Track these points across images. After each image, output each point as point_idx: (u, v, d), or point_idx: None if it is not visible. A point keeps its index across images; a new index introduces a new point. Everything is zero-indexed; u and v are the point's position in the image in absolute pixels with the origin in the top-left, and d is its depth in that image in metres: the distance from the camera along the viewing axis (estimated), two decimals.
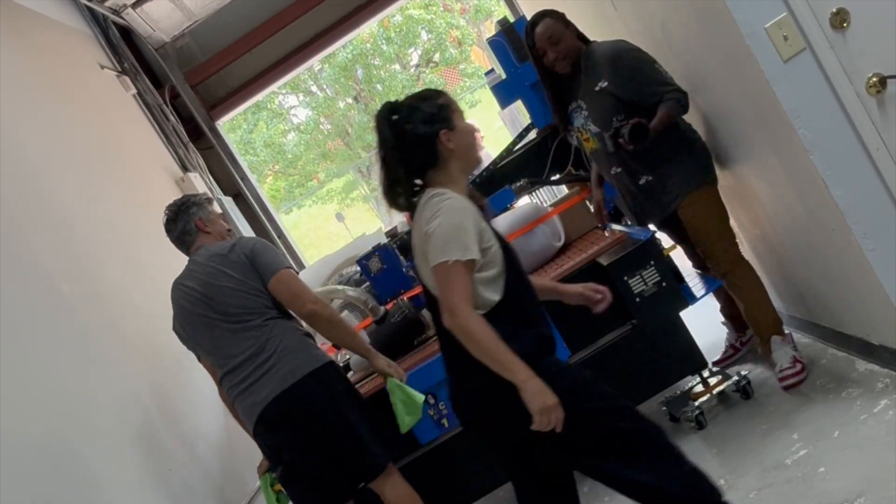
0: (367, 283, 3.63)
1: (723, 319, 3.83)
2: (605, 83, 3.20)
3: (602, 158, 3.38)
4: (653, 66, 3.18)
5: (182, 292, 3.06)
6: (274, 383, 2.89)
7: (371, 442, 2.92)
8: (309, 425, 2.89)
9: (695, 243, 3.35)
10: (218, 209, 3.40)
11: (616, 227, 3.56)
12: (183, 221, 3.16)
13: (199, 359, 3.14)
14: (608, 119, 3.22)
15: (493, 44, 3.76)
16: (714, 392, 3.41)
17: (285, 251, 6.41)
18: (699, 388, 3.45)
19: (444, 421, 3.28)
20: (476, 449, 3.30)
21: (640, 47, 3.23)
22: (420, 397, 3.05)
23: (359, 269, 3.67)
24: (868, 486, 2.42)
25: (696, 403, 3.37)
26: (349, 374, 3.93)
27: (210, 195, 3.41)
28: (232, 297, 2.95)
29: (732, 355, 3.80)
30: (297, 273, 3.05)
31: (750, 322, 3.41)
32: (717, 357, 3.80)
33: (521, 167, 3.84)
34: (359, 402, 3.03)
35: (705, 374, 3.45)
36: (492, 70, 4.13)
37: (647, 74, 3.16)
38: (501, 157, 3.92)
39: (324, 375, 2.93)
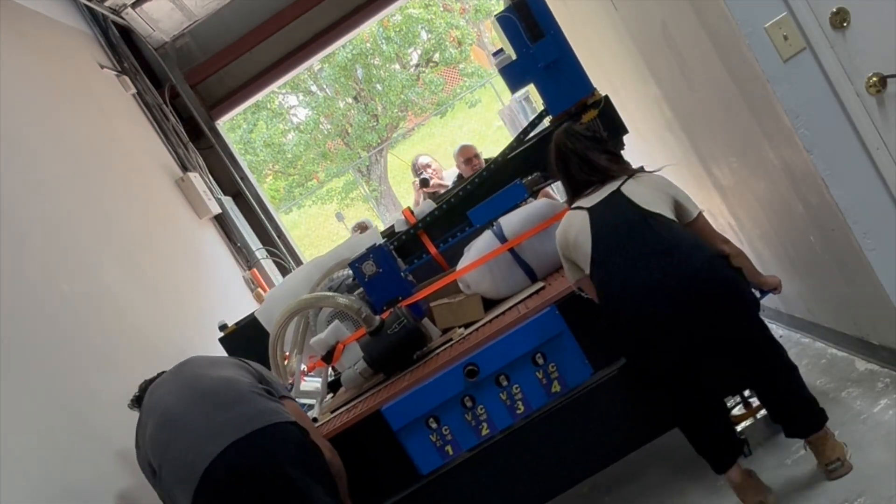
0: (361, 290, 3.30)
1: None
2: None
3: None
4: None
5: None
6: None
7: None
8: None
9: None
10: None
11: None
12: None
13: None
14: None
15: (503, 20, 3.18)
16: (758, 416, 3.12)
17: (285, 251, 6.42)
18: (738, 410, 3.14)
19: (449, 448, 2.87)
20: (484, 479, 2.91)
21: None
22: None
23: (351, 272, 3.33)
24: (868, 486, 2.42)
25: (739, 428, 3.03)
26: (340, 391, 3.50)
27: None
28: None
29: None
30: None
31: None
32: None
33: (534, 159, 3.33)
34: None
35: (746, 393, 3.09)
36: (500, 50, 3.40)
37: None
38: (511, 147, 3.45)
39: None
